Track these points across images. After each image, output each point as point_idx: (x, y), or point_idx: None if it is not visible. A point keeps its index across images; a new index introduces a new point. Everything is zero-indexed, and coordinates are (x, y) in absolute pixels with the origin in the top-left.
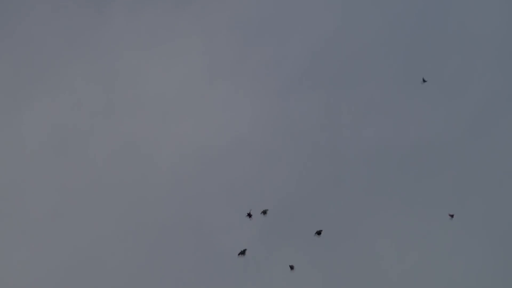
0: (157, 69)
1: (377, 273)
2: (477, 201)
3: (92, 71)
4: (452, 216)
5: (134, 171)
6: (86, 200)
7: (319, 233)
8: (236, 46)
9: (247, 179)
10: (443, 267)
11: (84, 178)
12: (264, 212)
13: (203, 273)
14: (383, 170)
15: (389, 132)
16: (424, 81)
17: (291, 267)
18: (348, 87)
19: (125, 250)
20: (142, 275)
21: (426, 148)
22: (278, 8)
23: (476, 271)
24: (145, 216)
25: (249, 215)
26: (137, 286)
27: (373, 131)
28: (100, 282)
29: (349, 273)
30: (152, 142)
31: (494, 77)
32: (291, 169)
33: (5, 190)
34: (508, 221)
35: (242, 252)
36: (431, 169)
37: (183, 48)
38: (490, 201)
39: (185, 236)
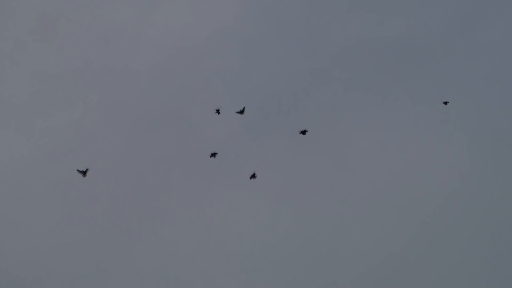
0: None
1: (359, 169)
2: (459, 97)
3: None
4: (446, 103)
5: (118, 60)
6: (69, 87)
7: (303, 132)
8: None
9: (230, 73)
10: (425, 162)
11: (67, 65)
12: (241, 112)
13: (182, 164)
14: (367, 65)
15: (374, 28)
16: None
17: (253, 175)
18: None
19: (107, 138)
20: (124, 162)
21: (410, 44)
22: None
23: (457, 164)
24: (128, 104)
25: (217, 111)
26: (119, 172)
27: (358, 26)
28: (82, 165)
29: (331, 169)
30: (136, 31)
31: None
32: (274, 64)
33: None
34: (493, 120)
35: (213, 155)
36: (415, 65)
37: None
38: (473, 99)
39: (167, 128)
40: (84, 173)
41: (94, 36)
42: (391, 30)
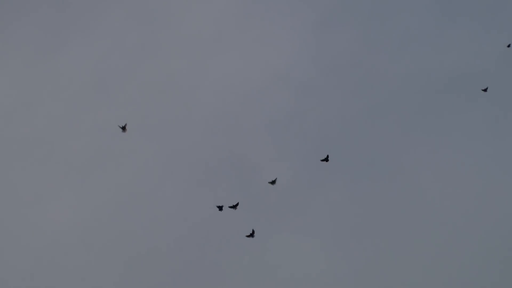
0: (193, 6)
1: (420, 206)
2: None
3: (128, 13)
4: (485, 90)
5: (175, 108)
6: (127, 139)
7: (326, 159)
8: None
9: (286, 115)
10: (492, 200)
11: (124, 118)
12: (273, 182)
13: (243, 210)
14: (421, 101)
15: (426, 63)
16: (508, 46)
17: (251, 234)
18: (383, 19)
19: (166, 188)
20: (186, 210)
21: (462, 78)
22: None
23: None
24: (188, 153)
25: (220, 208)
26: (181, 222)
27: (410, 63)
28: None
29: (391, 207)
30: (192, 79)
31: None
32: (330, 104)
33: (46, 134)
34: None
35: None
36: (468, 99)
37: None
38: None
39: (225, 171)
40: (123, 128)
41: (149, 87)
42: (443, 65)
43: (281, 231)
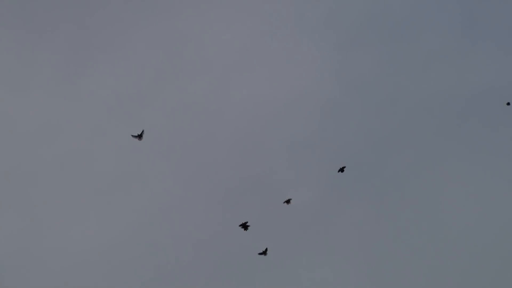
0: (218, 28)
1: (443, 224)
2: None
3: (153, 35)
4: (508, 104)
5: (199, 129)
6: (151, 161)
7: (342, 170)
8: (296, 1)
9: (309, 134)
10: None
11: (149, 140)
12: (288, 201)
13: (266, 229)
14: (446, 119)
15: (449, 82)
16: None
17: (264, 252)
18: (406, 40)
19: (189, 207)
20: (209, 231)
21: (486, 96)
22: None
23: None
24: (212, 173)
25: (244, 226)
26: (207, 242)
27: (433, 82)
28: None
29: (413, 227)
30: (215, 100)
31: None
32: (352, 124)
33: (71, 156)
34: None
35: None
36: (493, 117)
37: (244, 5)
38: None
39: (249, 191)
40: (139, 136)
41: (173, 108)
42: (467, 84)
43: (301, 250)
